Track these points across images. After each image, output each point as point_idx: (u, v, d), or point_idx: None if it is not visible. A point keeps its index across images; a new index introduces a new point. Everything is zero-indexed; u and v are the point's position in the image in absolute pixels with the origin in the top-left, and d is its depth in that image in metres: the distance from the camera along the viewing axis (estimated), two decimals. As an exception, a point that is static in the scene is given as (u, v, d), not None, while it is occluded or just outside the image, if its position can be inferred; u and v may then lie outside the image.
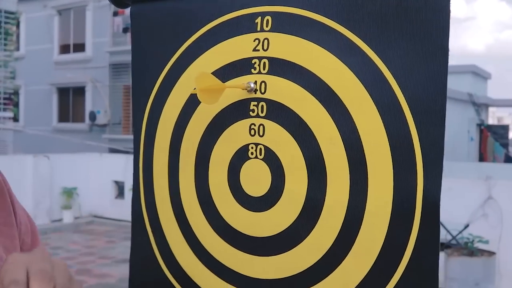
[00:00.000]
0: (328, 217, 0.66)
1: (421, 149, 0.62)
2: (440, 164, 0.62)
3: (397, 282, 0.64)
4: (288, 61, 0.68)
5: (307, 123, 0.67)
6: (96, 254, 7.42)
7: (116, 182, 9.77)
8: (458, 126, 16.73)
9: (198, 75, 0.65)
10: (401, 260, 0.63)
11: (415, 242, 0.62)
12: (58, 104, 20.35)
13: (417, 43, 0.62)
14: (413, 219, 0.62)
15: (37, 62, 19.29)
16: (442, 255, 5.74)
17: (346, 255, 0.66)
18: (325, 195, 0.66)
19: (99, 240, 8.31)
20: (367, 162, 0.64)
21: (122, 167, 9.23)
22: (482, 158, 17.36)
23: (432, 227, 0.62)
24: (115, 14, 19.23)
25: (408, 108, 0.63)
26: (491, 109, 28.09)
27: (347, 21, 0.65)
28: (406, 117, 0.63)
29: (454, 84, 17.25)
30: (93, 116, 17.19)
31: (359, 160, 0.64)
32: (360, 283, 0.66)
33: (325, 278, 0.68)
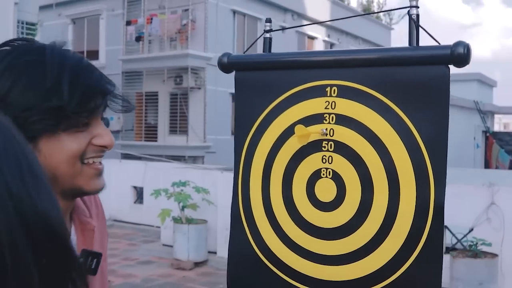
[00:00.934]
0: (374, 215, 1.06)
1: (432, 170, 1.02)
2: (444, 179, 1.02)
3: (416, 257, 1.03)
4: (348, 116, 1.08)
5: (361, 155, 1.07)
6: (119, 255, 7.83)
7: (135, 187, 10.18)
8: (464, 133, 17.03)
9: (297, 127, 1.06)
10: (419, 242, 1.03)
11: (429, 231, 1.02)
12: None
13: (429, 105, 1.01)
14: (428, 215, 1.01)
15: (52, 69, 19.69)
16: (447, 257, 6.12)
17: (385, 238, 1.05)
18: (372, 201, 1.06)
19: (120, 242, 8.71)
20: (400, 179, 1.04)
21: (141, 173, 9.64)
22: (487, 165, 17.66)
23: (439, 221, 1.02)
24: (128, 23, 19.67)
25: (423, 145, 1.02)
26: (497, 116, 28.34)
27: (384, 90, 1.05)
28: (422, 151, 1.02)
29: (460, 92, 17.57)
30: (106, 123, 17.49)
31: (394, 178, 1.04)
32: (392, 257, 1.06)
33: (370, 254, 1.08)
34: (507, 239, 6.08)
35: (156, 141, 17.44)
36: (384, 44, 32.91)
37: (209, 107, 18.36)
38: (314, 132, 1.10)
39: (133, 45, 18.59)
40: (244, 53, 1.23)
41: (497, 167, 17.54)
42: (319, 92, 1.11)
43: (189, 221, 7.43)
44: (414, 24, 1.03)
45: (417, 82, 1.02)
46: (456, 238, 6.58)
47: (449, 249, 6.40)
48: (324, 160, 1.11)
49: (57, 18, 22.09)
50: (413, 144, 1.03)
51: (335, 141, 1.10)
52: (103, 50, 20.40)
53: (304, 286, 1.13)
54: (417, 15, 1.04)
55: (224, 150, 17.96)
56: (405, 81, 1.03)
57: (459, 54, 0.97)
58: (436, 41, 1.03)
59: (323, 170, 1.11)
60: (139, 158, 12.54)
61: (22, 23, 12.14)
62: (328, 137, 1.10)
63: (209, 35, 19.26)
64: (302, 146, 1.12)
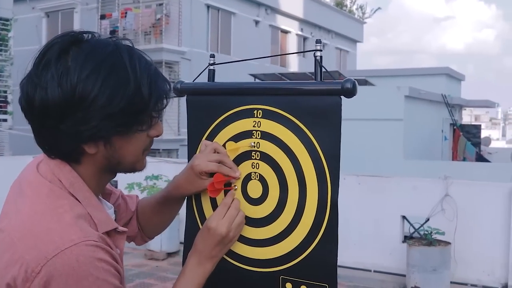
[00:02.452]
0: (288, 209, 1.40)
1: (329, 174, 1.36)
2: (338, 180, 1.35)
3: (318, 241, 1.38)
4: (270, 133, 1.42)
5: (279, 163, 1.41)
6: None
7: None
8: (433, 126, 17.49)
9: (228, 143, 1.40)
10: (320, 230, 1.37)
11: (327, 221, 1.36)
12: (46, 104, 20.81)
13: (326, 125, 1.35)
14: (326, 209, 1.36)
15: (26, 63, 19.69)
16: (404, 245, 6.52)
17: (296, 227, 1.40)
18: (287, 198, 1.40)
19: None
20: (306, 181, 1.38)
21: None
22: (453, 157, 18.16)
23: (335, 214, 1.36)
24: (103, 17, 19.79)
25: (323, 155, 1.36)
26: (468, 108, 28.95)
27: (295, 113, 1.39)
28: (322, 159, 1.36)
29: (429, 86, 18.03)
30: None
31: (303, 180, 1.38)
32: (301, 241, 1.39)
33: (285, 238, 1.42)
34: (460, 228, 6.49)
35: (130, 134, 17.53)
36: (356, 37, 33.34)
37: (183, 100, 18.56)
38: (244, 145, 1.44)
39: (108, 39, 18.60)
40: (193, 81, 1.56)
41: (464, 159, 18.00)
42: (248, 113, 1.45)
43: (162, 213, 7.71)
44: (318, 64, 1.37)
45: (319, 108, 1.36)
46: (413, 227, 6.99)
47: (407, 238, 6.81)
48: (253, 166, 1.45)
49: (30, 12, 22.05)
50: (315, 155, 1.37)
51: (261, 152, 1.44)
52: (78, 43, 20.37)
53: (237, 263, 1.47)
54: (321, 57, 1.38)
55: (198, 143, 18.22)
56: (310, 107, 1.37)
57: (348, 88, 1.31)
58: (333, 77, 1.37)
59: (253, 174, 1.45)
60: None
61: (-3, 18, 12.26)
62: (256, 148, 1.44)
63: (183, 29, 19.44)
64: (236, 156, 1.46)
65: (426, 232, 6.32)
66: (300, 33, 28.10)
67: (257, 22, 24.68)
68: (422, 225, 6.80)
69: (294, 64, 27.43)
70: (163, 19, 18.89)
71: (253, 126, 1.45)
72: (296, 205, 1.40)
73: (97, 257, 1.05)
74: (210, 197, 1.50)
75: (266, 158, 1.44)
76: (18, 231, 1.08)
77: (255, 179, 1.46)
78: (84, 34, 1.18)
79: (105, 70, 1.10)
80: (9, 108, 12.74)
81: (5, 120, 12.79)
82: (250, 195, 1.46)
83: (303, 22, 28.09)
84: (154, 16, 19.06)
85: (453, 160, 17.68)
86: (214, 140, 1.50)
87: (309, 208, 1.38)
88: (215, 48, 22.17)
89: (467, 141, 18.56)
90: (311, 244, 1.39)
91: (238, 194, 1.47)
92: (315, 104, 1.36)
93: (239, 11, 23.39)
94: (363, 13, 43.40)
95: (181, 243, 8.08)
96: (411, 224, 6.99)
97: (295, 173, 1.40)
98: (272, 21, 25.78)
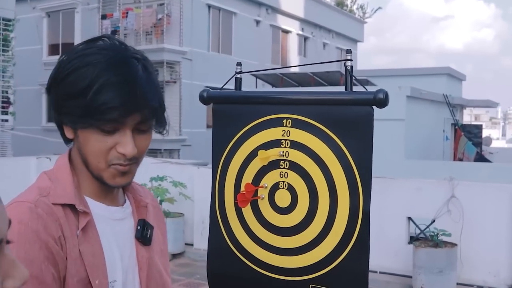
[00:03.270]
0: (318, 218, 1.40)
1: (361, 184, 1.35)
2: (369, 190, 1.35)
3: (348, 251, 1.37)
4: (299, 142, 1.42)
5: (309, 172, 1.41)
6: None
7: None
8: (434, 126, 17.49)
9: (260, 151, 1.40)
10: (351, 240, 1.37)
11: (358, 231, 1.36)
12: (47, 104, 20.84)
13: (358, 135, 1.35)
14: (358, 219, 1.36)
15: (27, 62, 19.71)
16: (410, 246, 6.52)
17: (326, 236, 1.39)
18: (317, 207, 1.40)
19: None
20: (337, 191, 1.38)
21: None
22: (454, 157, 18.14)
23: (366, 223, 1.36)
24: (104, 17, 19.77)
25: (354, 165, 1.36)
26: (468, 108, 28.96)
27: (326, 123, 1.39)
28: (353, 169, 1.36)
29: (430, 86, 18.01)
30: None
31: (334, 190, 1.38)
32: (331, 251, 1.39)
33: (314, 248, 1.42)
34: (466, 229, 6.49)
35: (132, 134, 17.52)
36: (357, 37, 33.35)
37: (184, 101, 18.57)
38: (273, 154, 1.43)
39: (109, 39, 18.56)
40: (220, 89, 1.55)
41: (460, 159, 17.97)
42: (277, 123, 1.45)
43: (167, 214, 7.73)
44: (349, 74, 1.37)
45: (350, 118, 1.35)
46: (419, 229, 6.99)
47: (413, 240, 6.81)
48: (281, 175, 1.45)
49: (31, 12, 22.02)
50: (346, 164, 1.36)
51: (290, 161, 1.43)
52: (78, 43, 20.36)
53: (267, 272, 1.47)
54: (351, 67, 1.37)
55: (199, 143, 18.24)
56: (341, 116, 1.37)
57: (380, 99, 1.31)
58: (365, 88, 1.37)
59: (281, 183, 1.45)
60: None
61: (-1, 19, 12.24)
62: (284, 157, 1.44)
63: (184, 29, 19.43)
64: (264, 166, 1.46)
65: (433, 234, 6.32)
66: (301, 32, 28.11)
67: (258, 22, 24.68)
68: (428, 227, 6.80)
69: (294, 63, 27.41)
70: (164, 19, 18.87)
71: (282, 135, 1.45)
72: (326, 214, 1.40)
73: (18, 218, 1.15)
74: (237, 214, 1.51)
75: (295, 167, 1.43)
76: None
77: (283, 188, 1.45)
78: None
79: (82, 62, 1.23)
80: (11, 109, 12.72)
81: (6, 121, 12.77)
82: (278, 204, 1.46)
83: (303, 22, 28.10)
84: (155, 16, 19.04)
85: (454, 160, 17.67)
86: (241, 148, 1.50)
87: (340, 217, 1.38)
88: (216, 48, 22.17)
89: (467, 141, 18.54)
90: (342, 253, 1.39)
91: (265, 203, 1.47)
92: (346, 114, 1.36)
93: (240, 11, 23.39)
94: (364, 13, 43.43)
95: (186, 244, 8.08)
96: (417, 226, 6.99)
97: (325, 182, 1.39)
98: (273, 21, 25.78)
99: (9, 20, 12.72)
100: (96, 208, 1.30)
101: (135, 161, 1.27)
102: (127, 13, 19.24)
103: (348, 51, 1.38)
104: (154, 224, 1.46)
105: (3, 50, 12.58)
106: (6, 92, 12.69)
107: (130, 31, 18.96)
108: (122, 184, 1.30)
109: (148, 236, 1.40)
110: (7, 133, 12.23)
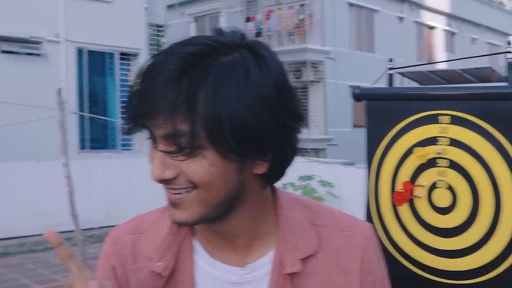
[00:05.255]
0: (481, 220, 1.33)
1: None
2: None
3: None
4: (458, 139, 1.35)
5: (469, 171, 1.34)
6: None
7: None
8: None
9: (416, 149, 1.35)
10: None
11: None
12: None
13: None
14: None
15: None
16: None
17: (490, 239, 1.32)
18: (479, 208, 1.33)
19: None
20: (500, 189, 1.30)
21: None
22: None
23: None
24: (247, 20, 20.28)
25: (522, 162, 1.28)
26: None
27: (487, 119, 1.31)
28: (521, 167, 1.28)
29: None
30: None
31: (497, 188, 1.30)
32: (497, 255, 1.32)
33: (477, 251, 1.34)
34: None
35: (277, 135, 17.84)
36: (509, 31, 31.54)
37: (329, 100, 18.57)
38: (431, 152, 1.38)
39: (253, 41, 19.02)
40: (372, 85, 1.52)
41: None
42: (432, 119, 1.39)
43: (313, 213, 7.71)
44: (511, 66, 1.28)
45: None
46: None
47: None
48: (439, 174, 1.39)
49: (180, 17, 23.11)
50: (511, 162, 1.28)
51: (449, 159, 1.37)
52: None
53: (425, 273, 1.42)
54: (514, 58, 1.29)
55: (345, 142, 18.14)
56: (504, 111, 1.29)
57: (549, 92, 1.22)
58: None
59: (439, 182, 1.39)
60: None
61: (152, 25, 12.96)
62: (442, 155, 1.38)
63: (326, 28, 19.45)
64: (421, 164, 1.41)
65: None
66: (447, 28, 27.08)
67: (401, 19, 24.11)
68: None
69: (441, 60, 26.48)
70: (306, 19, 18.99)
71: (439, 133, 1.39)
72: (490, 215, 1.32)
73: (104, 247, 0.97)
74: (394, 213, 1.47)
75: (455, 165, 1.37)
76: None
77: (442, 187, 1.39)
78: None
79: None
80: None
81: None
82: (437, 204, 1.40)
83: (450, 17, 27.03)
84: (297, 16, 19.21)
85: None
86: (395, 145, 1.46)
87: (506, 217, 1.30)
88: (358, 46, 21.95)
89: None
90: (506, 259, 1.30)
91: (423, 202, 1.42)
92: (509, 108, 1.28)
93: (382, 8, 22.96)
94: (515, 4, 41.01)
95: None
96: None
97: (488, 181, 1.32)
98: (416, 17, 25.05)
99: (161, 26, 13.41)
100: (205, 264, 0.90)
101: (183, 185, 0.79)
102: (269, 15, 19.58)
103: (508, 43, 1.30)
104: None
105: (156, 55, 13.22)
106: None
107: (273, 32, 19.27)
108: (177, 220, 0.83)
109: None
110: None
